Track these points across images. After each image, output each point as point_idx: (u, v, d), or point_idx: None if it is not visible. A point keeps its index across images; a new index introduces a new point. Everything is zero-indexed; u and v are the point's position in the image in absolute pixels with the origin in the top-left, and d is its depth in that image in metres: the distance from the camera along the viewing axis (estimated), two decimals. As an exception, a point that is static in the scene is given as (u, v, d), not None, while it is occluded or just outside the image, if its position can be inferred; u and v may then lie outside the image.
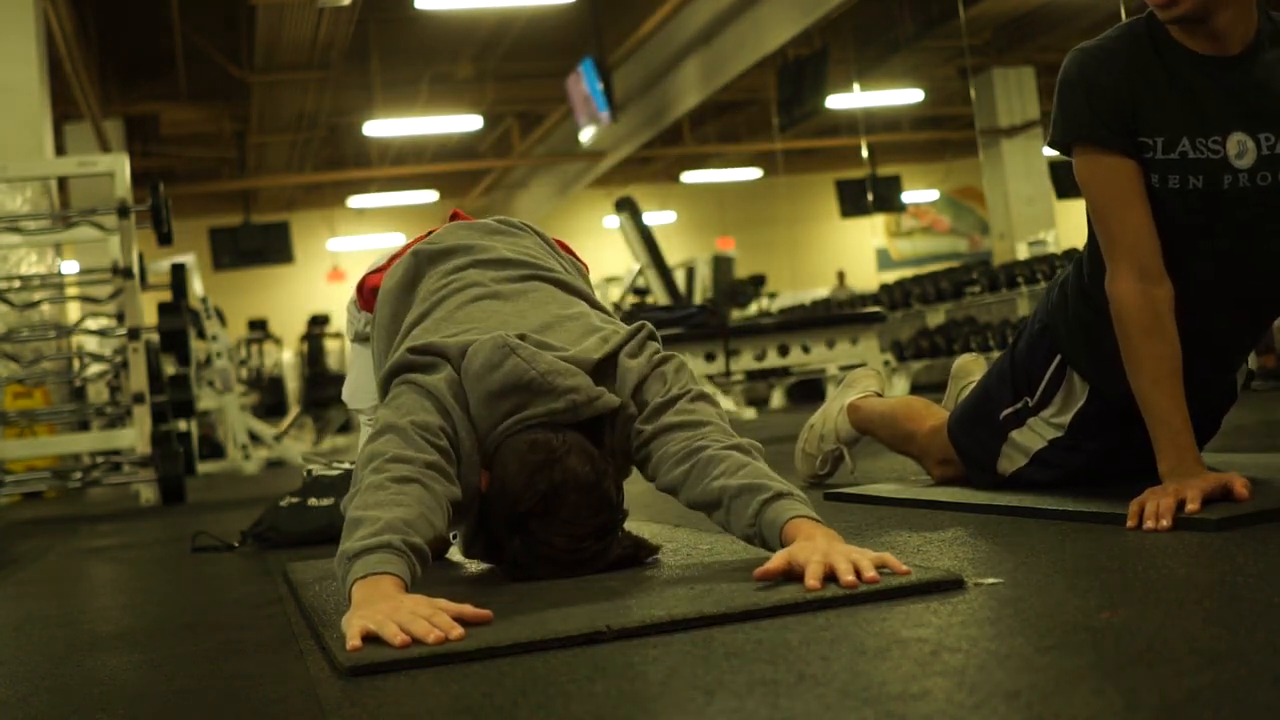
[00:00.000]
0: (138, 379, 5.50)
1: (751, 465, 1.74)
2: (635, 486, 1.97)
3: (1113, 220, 1.95)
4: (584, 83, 12.31)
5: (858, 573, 1.49)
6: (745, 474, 1.72)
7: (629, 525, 1.92)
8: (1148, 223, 1.94)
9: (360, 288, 2.25)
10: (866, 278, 16.68)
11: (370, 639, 1.41)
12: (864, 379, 3.00)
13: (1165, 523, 1.72)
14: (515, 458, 1.75)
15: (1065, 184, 12.46)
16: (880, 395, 2.94)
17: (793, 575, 1.54)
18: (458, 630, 1.40)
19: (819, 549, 1.54)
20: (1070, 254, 8.02)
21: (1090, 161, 1.98)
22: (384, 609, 1.44)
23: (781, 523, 1.64)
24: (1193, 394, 1.97)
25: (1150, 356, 1.89)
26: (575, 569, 1.78)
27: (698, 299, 11.17)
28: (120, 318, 5.87)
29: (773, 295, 14.69)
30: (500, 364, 1.78)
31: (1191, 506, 1.74)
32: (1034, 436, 2.29)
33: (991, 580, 1.51)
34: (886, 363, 9.15)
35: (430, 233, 2.25)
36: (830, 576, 1.49)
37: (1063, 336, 2.21)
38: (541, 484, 1.73)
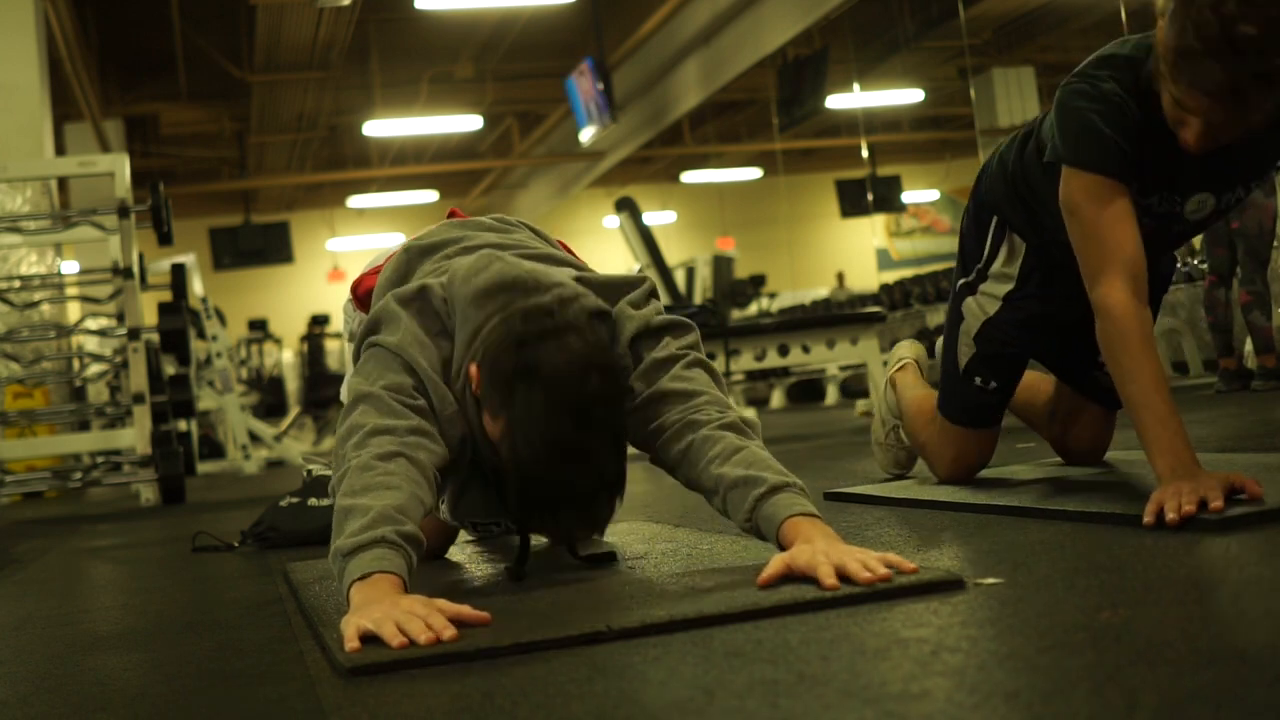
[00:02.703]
0: (138, 379, 5.51)
1: (746, 450, 1.72)
2: (635, 487, 1.97)
3: (1110, 237, 2.02)
4: (584, 82, 12.31)
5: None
6: (740, 461, 1.70)
7: (627, 527, 1.92)
8: (1140, 242, 2.03)
9: (356, 288, 2.24)
10: (866, 278, 16.66)
11: (368, 639, 1.41)
12: (901, 348, 3.15)
13: (1189, 509, 1.71)
14: (537, 432, 1.66)
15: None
16: (916, 363, 3.06)
17: (792, 579, 1.53)
18: (450, 631, 1.40)
19: (819, 550, 1.54)
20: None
21: (1098, 185, 2.05)
22: (381, 608, 1.45)
23: (779, 521, 1.63)
24: None
25: (1148, 368, 1.94)
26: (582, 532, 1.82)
27: (698, 299, 11.17)
28: (120, 318, 5.88)
29: (773, 295, 14.70)
30: (487, 266, 1.82)
31: (1216, 504, 1.72)
32: (989, 300, 2.49)
33: (991, 580, 1.51)
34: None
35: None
36: (843, 576, 1.49)
37: (1001, 198, 2.44)
38: (567, 474, 1.66)
